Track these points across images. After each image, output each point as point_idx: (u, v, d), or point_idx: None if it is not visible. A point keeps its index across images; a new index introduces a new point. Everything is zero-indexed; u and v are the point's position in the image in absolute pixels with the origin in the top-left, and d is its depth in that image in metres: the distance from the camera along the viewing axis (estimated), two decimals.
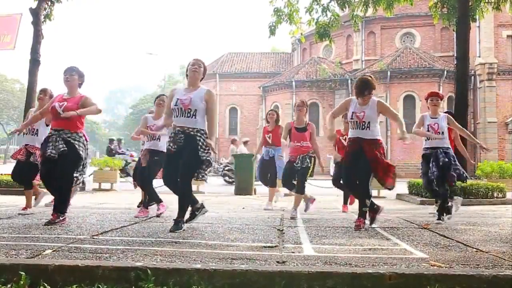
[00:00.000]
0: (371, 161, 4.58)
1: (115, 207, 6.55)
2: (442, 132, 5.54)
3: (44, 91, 5.85)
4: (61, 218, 4.46)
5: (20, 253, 2.88)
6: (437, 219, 5.22)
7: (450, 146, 5.59)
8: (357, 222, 4.57)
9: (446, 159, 5.37)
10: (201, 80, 4.41)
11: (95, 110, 4.64)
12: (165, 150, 4.93)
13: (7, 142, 55.71)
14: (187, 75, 4.42)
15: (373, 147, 4.63)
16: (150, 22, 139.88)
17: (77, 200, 6.39)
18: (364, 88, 4.68)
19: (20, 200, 7.47)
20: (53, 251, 2.97)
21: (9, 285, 2.34)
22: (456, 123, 5.83)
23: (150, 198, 5.68)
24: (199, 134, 4.14)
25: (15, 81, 50.14)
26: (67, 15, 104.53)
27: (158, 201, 5.60)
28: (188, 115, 4.15)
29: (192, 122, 4.15)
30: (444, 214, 5.33)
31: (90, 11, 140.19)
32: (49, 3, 11.44)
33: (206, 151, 4.15)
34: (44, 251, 2.95)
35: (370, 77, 4.81)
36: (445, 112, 7.01)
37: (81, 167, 4.64)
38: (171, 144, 4.19)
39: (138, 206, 6.21)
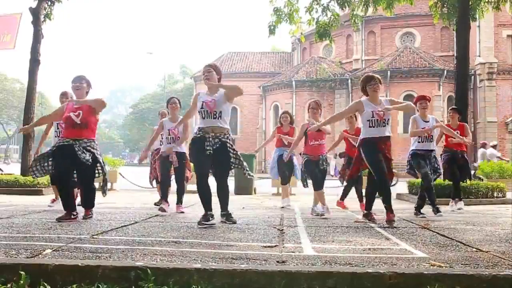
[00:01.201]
0: (387, 159, 4.93)
1: (115, 207, 6.55)
2: (433, 136, 5.91)
3: (65, 94, 6.17)
4: (90, 214, 4.96)
5: (20, 252, 2.88)
6: (422, 215, 5.71)
7: (436, 149, 6.00)
8: (390, 217, 4.86)
9: (436, 165, 5.87)
10: (220, 80, 4.74)
11: (100, 102, 4.93)
12: (185, 151, 5.76)
13: (7, 142, 55.73)
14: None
15: (388, 144, 4.98)
16: (150, 22, 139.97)
17: (77, 200, 6.39)
18: (377, 80, 5.01)
19: (20, 200, 7.48)
20: (53, 250, 2.97)
21: (9, 285, 2.34)
22: (444, 125, 6.30)
23: (162, 194, 6.07)
24: (229, 140, 4.59)
25: (15, 80, 50.16)
26: (67, 15, 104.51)
27: (165, 199, 6.00)
28: (214, 116, 4.52)
29: (218, 123, 4.53)
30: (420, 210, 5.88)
31: (90, 11, 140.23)
32: (49, 2, 11.43)
33: (235, 153, 4.66)
34: (44, 250, 2.95)
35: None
36: (452, 109, 7.19)
37: (100, 169, 4.95)
38: (208, 147, 4.45)
39: (155, 204, 6.58)
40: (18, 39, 11.72)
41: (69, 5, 53.64)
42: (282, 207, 6.84)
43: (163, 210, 5.71)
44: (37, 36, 10.85)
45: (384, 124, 4.87)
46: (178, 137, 5.98)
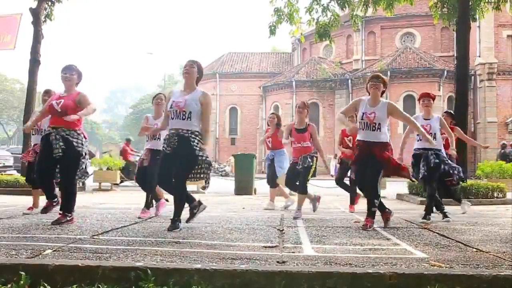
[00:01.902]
0: (382, 162, 4.62)
1: (115, 207, 6.55)
2: (434, 134, 5.52)
3: (48, 93, 5.90)
4: (68, 218, 4.45)
5: (20, 253, 2.88)
6: (423, 218, 5.32)
7: (441, 148, 5.61)
8: (365, 221, 4.58)
9: (437, 161, 5.41)
10: (199, 80, 4.41)
11: (91, 111, 4.59)
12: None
13: (7, 142, 55.71)
14: None
15: (382, 150, 4.64)
16: (150, 22, 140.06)
17: (77, 200, 6.40)
18: (380, 79, 4.74)
19: (20, 200, 7.48)
20: (53, 251, 2.97)
21: (9, 285, 2.35)
22: (447, 127, 5.87)
23: (153, 196, 5.71)
24: (193, 136, 4.14)
25: (15, 81, 50.08)
26: (67, 15, 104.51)
27: (158, 199, 5.67)
28: (183, 117, 4.14)
29: (186, 124, 4.14)
30: (431, 213, 5.45)
31: (90, 11, 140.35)
32: (49, 3, 11.44)
33: (203, 152, 4.15)
34: (44, 251, 2.95)
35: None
36: (445, 112, 7.04)
37: (82, 165, 4.54)
38: (165, 146, 4.20)
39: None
40: (18, 39, 11.73)
41: (69, 5, 53.64)
42: (285, 207, 6.87)
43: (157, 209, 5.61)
44: (37, 37, 10.85)
45: (373, 129, 4.63)
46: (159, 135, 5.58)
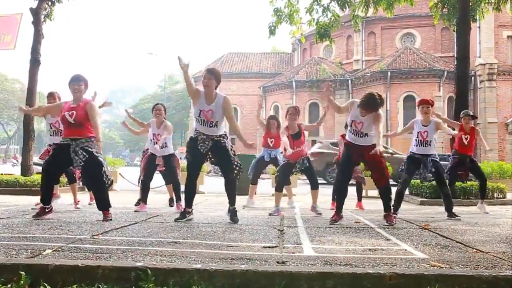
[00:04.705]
0: (375, 161, 4.85)
1: (115, 207, 6.53)
2: (430, 141, 5.81)
3: (51, 95, 6.26)
4: (110, 215, 4.88)
5: (20, 252, 2.88)
6: (450, 217, 5.69)
7: (436, 154, 5.90)
8: (391, 218, 4.91)
9: (435, 168, 5.79)
10: (217, 86, 4.83)
11: (99, 126, 5.03)
12: (171, 152, 6.24)
13: (7, 142, 55.71)
14: None
15: (372, 151, 4.80)
16: (150, 22, 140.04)
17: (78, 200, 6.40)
18: (372, 107, 4.72)
19: (20, 200, 7.48)
20: (53, 251, 2.97)
21: (9, 285, 2.34)
22: (442, 124, 6.04)
23: (142, 196, 6.26)
24: (221, 138, 4.79)
25: (15, 81, 50.09)
26: (67, 15, 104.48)
27: (144, 202, 6.26)
28: (211, 125, 4.73)
29: (214, 131, 4.75)
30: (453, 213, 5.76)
31: (90, 11, 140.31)
32: (49, 3, 11.43)
33: (234, 153, 4.85)
34: (44, 250, 2.95)
35: (380, 96, 4.79)
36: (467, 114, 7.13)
37: (104, 169, 4.91)
38: (199, 146, 4.70)
39: (170, 205, 6.62)
40: (18, 39, 11.72)
41: (69, 5, 53.64)
42: (244, 207, 7.12)
43: (138, 211, 5.95)
44: (38, 37, 10.84)
45: (361, 135, 4.85)
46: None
